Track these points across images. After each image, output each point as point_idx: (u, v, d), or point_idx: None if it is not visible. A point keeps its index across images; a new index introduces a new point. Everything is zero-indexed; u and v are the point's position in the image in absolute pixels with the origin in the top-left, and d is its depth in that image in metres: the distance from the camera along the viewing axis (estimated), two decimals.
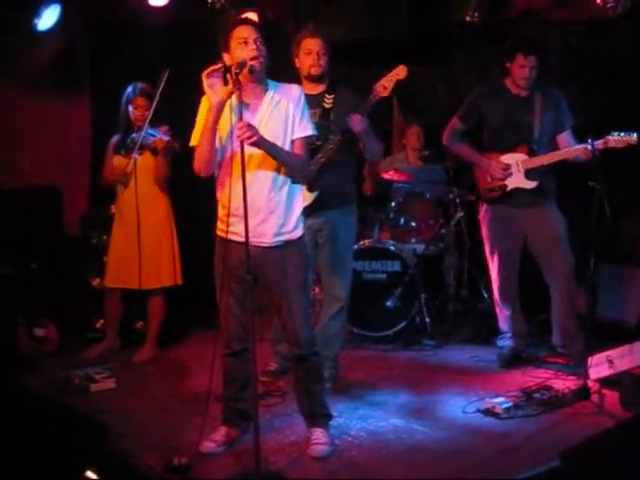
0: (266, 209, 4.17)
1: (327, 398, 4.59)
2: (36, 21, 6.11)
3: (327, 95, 5.25)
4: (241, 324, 4.31)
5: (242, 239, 3.94)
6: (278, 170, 4.18)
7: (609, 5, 6.20)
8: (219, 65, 4.04)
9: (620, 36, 6.67)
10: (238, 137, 3.89)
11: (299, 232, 4.33)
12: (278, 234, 4.22)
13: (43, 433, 3.89)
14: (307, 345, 4.35)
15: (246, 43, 4.04)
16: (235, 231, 4.10)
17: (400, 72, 5.07)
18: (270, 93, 4.18)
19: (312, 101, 5.00)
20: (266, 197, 4.16)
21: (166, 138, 5.78)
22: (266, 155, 4.10)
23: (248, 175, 3.95)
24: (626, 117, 6.28)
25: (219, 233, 4.29)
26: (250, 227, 3.93)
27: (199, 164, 4.14)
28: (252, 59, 4.00)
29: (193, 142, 4.17)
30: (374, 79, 5.22)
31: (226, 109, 4.07)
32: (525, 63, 5.56)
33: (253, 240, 4.04)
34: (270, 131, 4.11)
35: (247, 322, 4.19)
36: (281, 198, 4.21)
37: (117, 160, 5.97)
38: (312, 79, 5.25)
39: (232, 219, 4.11)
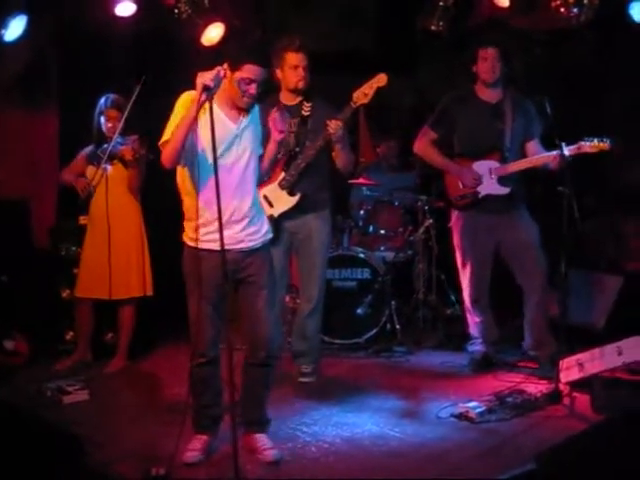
0: (249, 215, 4.26)
1: (300, 405, 4.70)
2: (2, 32, 6.07)
3: (305, 103, 5.43)
4: (216, 332, 4.32)
5: (225, 247, 4.01)
6: (254, 176, 4.30)
7: (572, 14, 6.30)
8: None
9: (584, 45, 6.76)
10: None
11: (270, 235, 4.45)
12: (257, 238, 4.32)
13: (17, 445, 3.86)
14: (274, 349, 4.42)
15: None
16: (213, 239, 4.10)
17: (381, 80, 5.19)
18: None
19: (291, 111, 5.31)
20: (248, 203, 4.25)
21: (132, 148, 5.76)
22: (248, 163, 4.22)
23: (235, 183, 4.15)
24: (589, 125, 6.37)
25: (191, 242, 4.27)
26: (233, 233, 4.15)
27: (170, 156, 4.10)
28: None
29: (166, 137, 4.14)
30: (343, 88, 5.29)
31: (206, 119, 4.05)
32: (486, 55, 5.64)
33: (235, 246, 4.18)
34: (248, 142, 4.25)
35: (222, 329, 4.24)
36: (255, 203, 4.33)
37: (90, 170, 5.95)
38: (297, 93, 5.41)
39: (211, 227, 4.12)
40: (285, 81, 5.41)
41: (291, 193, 5.40)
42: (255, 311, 4.34)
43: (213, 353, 4.35)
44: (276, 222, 5.34)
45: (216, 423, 4.50)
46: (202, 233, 4.18)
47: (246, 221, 4.26)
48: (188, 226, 4.29)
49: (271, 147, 4.40)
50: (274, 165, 4.82)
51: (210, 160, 4.04)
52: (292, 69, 5.32)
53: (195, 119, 4.01)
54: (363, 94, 5.18)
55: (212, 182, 4.04)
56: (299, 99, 5.45)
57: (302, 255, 5.62)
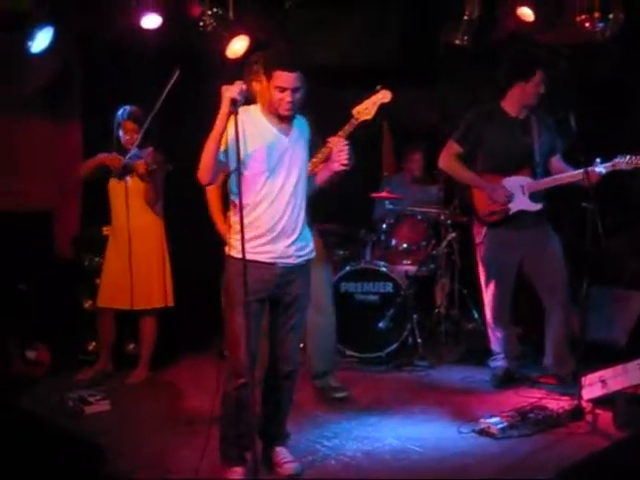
0: (298, 229, 4.23)
1: (320, 419, 4.68)
2: (30, 43, 6.12)
3: None
4: (255, 347, 4.14)
5: (271, 260, 4.11)
6: (305, 190, 4.27)
7: (598, 29, 6.28)
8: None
9: (608, 59, 6.73)
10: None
11: (314, 252, 4.40)
12: (304, 254, 4.29)
13: (39, 454, 3.89)
14: (296, 361, 4.42)
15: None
16: (263, 251, 4.12)
17: (385, 96, 4.90)
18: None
19: None
20: (299, 217, 4.23)
21: (145, 161, 5.80)
22: (300, 176, 4.21)
23: (287, 197, 4.13)
24: (613, 140, 6.34)
25: (239, 255, 3.99)
26: (283, 247, 4.14)
27: (202, 172, 4.06)
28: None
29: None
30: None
31: (266, 131, 4.12)
32: (544, 79, 5.61)
33: (284, 260, 4.16)
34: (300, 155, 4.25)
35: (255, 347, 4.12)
36: (305, 217, 4.30)
37: (112, 183, 5.99)
38: None
39: (262, 240, 4.11)
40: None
41: None
42: (286, 329, 4.31)
43: (249, 376, 4.02)
44: None
45: (245, 454, 4.28)
46: (253, 245, 4.08)
47: (296, 235, 4.22)
48: (235, 238, 4.11)
49: (324, 175, 4.41)
50: None
51: (262, 174, 4.07)
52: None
53: (222, 134, 3.97)
54: (365, 110, 5.01)
55: (264, 195, 4.08)
56: None
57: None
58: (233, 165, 4.02)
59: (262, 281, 4.11)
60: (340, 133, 4.74)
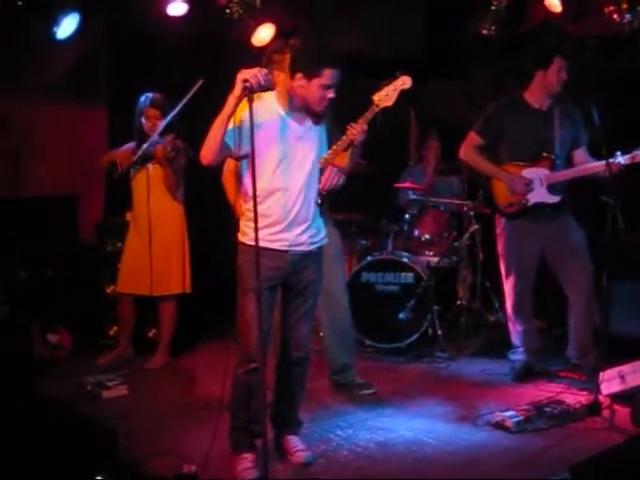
0: (311, 217, 4.25)
1: (335, 408, 4.70)
2: (55, 29, 6.15)
3: None
4: (266, 334, 4.13)
5: (284, 247, 4.13)
6: (317, 179, 4.30)
7: (626, 20, 6.20)
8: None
9: (636, 51, 6.65)
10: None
11: (326, 239, 4.42)
12: (317, 240, 4.31)
13: (55, 437, 3.93)
14: (308, 348, 4.43)
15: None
16: (276, 239, 4.13)
17: (405, 82, 4.80)
18: None
19: None
20: (312, 205, 4.25)
21: (164, 147, 5.82)
22: (313, 164, 4.23)
23: (299, 185, 4.14)
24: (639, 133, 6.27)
25: (251, 242, 4.03)
26: (296, 235, 4.17)
27: (206, 153, 4.05)
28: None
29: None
30: None
31: (280, 120, 4.12)
32: (563, 66, 5.54)
33: (296, 248, 4.18)
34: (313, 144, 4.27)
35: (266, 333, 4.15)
36: (317, 205, 4.32)
37: (133, 169, 6.02)
38: None
39: (275, 228, 4.12)
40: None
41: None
42: (298, 315, 4.33)
43: (263, 358, 4.03)
44: None
45: (255, 441, 4.29)
46: (266, 233, 4.09)
47: (308, 223, 4.24)
48: (247, 226, 4.16)
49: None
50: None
51: (274, 163, 4.08)
52: None
53: (230, 116, 3.93)
54: (386, 96, 4.94)
55: (276, 184, 4.09)
56: None
57: (326, 262, 5.21)
58: (241, 150, 4.02)
59: (275, 269, 4.14)
60: (360, 120, 4.70)
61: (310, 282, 4.32)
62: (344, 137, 4.68)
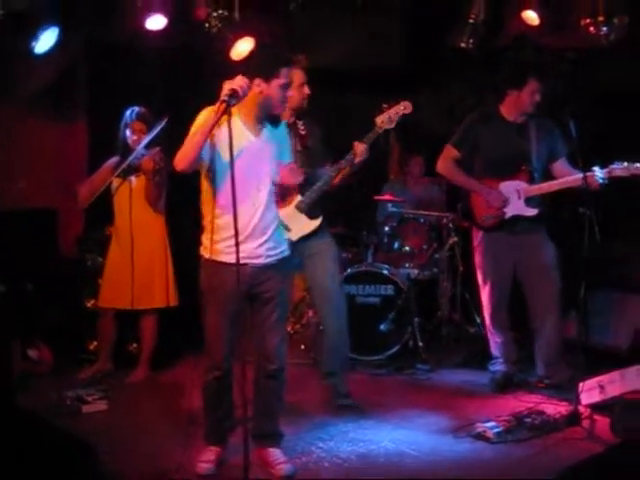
0: (269, 230, 4.29)
1: (318, 420, 4.70)
2: (34, 44, 6.14)
3: (298, 122, 5.36)
4: (231, 345, 4.35)
5: (246, 260, 4.14)
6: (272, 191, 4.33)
7: (602, 33, 6.26)
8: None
9: (613, 63, 6.71)
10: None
11: (287, 252, 4.46)
12: (275, 253, 4.34)
13: (35, 452, 3.90)
14: (281, 360, 4.44)
15: None
16: (233, 252, 4.07)
17: (406, 107, 5.19)
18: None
19: (290, 130, 5.14)
20: (269, 218, 4.29)
21: (153, 159, 5.82)
22: (270, 177, 4.27)
23: (257, 198, 4.20)
24: (618, 145, 6.32)
25: (210, 255, 4.28)
26: (253, 248, 4.21)
27: (183, 158, 4.10)
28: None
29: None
30: (368, 106, 5.31)
31: (239, 133, 4.15)
32: (537, 88, 5.59)
33: (253, 261, 4.22)
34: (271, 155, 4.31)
35: (237, 342, 4.34)
36: (276, 218, 4.37)
37: (116, 182, 6.01)
38: (297, 111, 5.33)
39: (232, 241, 4.07)
40: (291, 100, 5.08)
41: (311, 216, 5.30)
42: (267, 326, 4.37)
43: (228, 366, 4.39)
44: (293, 245, 5.21)
45: (227, 435, 4.52)
46: (223, 246, 4.22)
47: (266, 236, 4.28)
48: (208, 239, 4.30)
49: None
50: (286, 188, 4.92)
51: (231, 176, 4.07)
52: (298, 87, 5.19)
53: (213, 126, 4.01)
54: (388, 119, 5.17)
55: (242, 196, 4.09)
56: (293, 118, 5.32)
57: (319, 273, 5.45)
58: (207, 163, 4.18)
59: (234, 282, 4.11)
60: (364, 140, 5.13)
61: (274, 294, 4.35)
62: (348, 156, 5.12)
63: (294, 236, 5.26)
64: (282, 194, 4.63)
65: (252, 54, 4.43)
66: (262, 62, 4.22)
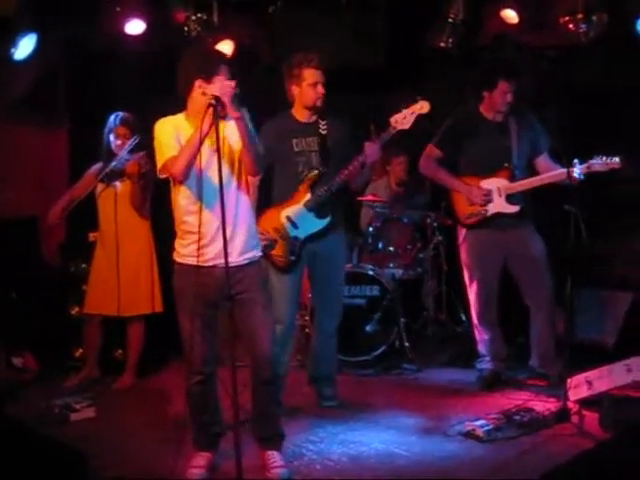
0: (238, 230, 4.26)
1: (307, 423, 4.74)
2: (12, 50, 6.10)
3: (321, 121, 5.29)
4: (210, 349, 4.33)
5: (214, 262, 4.15)
6: (245, 190, 4.32)
7: (581, 30, 6.29)
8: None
9: (592, 61, 6.74)
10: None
11: (259, 252, 4.42)
12: (245, 255, 4.29)
13: (23, 461, 3.87)
14: (273, 366, 4.39)
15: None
16: (201, 254, 4.15)
17: (423, 106, 5.07)
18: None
19: (308, 129, 5.24)
20: (236, 220, 4.23)
21: (139, 163, 5.81)
22: (234, 179, 4.24)
23: (220, 200, 4.02)
24: (598, 141, 6.35)
25: (182, 260, 4.28)
26: (219, 250, 4.09)
27: (183, 167, 4.10)
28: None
29: (169, 155, 4.16)
30: (352, 106, 5.28)
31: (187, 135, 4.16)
32: (508, 89, 5.63)
33: (221, 262, 4.05)
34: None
35: (217, 346, 4.33)
36: (247, 218, 4.33)
37: (100, 188, 5.98)
38: (315, 110, 5.27)
39: (199, 244, 4.13)
40: (303, 98, 5.21)
41: (320, 215, 5.24)
42: (251, 329, 4.30)
43: (209, 370, 4.37)
44: (301, 244, 5.25)
45: (217, 440, 4.50)
46: (191, 250, 4.19)
47: (236, 237, 4.22)
48: (179, 244, 4.31)
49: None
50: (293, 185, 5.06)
51: (194, 179, 4.13)
52: (311, 86, 5.16)
53: (208, 131, 4.00)
54: (404, 119, 5.06)
55: (205, 199, 4.09)
56: (314, 117, 5.28)
57: (324, 273, 5.42)
58: None
59: (204, 285, 4.14)
60: (377, 140, 5.07)
61: (250, 293, 4.27)
62: (359, 156, 5.05)
63: (302, 234, 5.25)
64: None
65: (187, 58, 4.35)
66: (200, 62, 4.21)
